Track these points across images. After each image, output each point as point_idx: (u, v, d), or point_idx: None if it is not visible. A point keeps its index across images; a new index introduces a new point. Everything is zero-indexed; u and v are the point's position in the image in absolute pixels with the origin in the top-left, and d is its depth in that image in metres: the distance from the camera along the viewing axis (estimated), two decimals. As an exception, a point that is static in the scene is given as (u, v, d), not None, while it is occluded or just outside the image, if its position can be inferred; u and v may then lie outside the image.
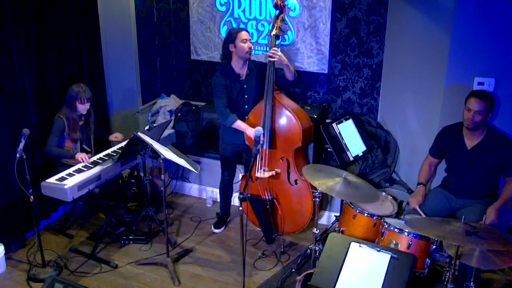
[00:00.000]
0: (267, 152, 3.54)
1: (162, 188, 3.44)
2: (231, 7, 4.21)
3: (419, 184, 3.38)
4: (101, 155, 3.69)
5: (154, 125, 3.74)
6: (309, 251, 3.37)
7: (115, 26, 4.35)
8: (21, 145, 3.02)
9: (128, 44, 4.40)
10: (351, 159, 3.50)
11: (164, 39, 4.64)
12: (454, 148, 3.24)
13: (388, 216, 3.19)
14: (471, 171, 3.18)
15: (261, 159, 3.55)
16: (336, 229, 3.36)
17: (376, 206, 3.34)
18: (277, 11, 3.50)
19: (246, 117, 3.59)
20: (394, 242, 2.93)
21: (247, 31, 3.54)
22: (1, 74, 3.34)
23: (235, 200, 4.17)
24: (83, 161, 3.52)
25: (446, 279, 2.81)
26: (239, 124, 3.49)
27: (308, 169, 3.17)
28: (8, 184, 3.46)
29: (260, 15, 4.13)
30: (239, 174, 4.05)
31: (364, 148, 3.63)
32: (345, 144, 3.49)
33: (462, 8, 3.13)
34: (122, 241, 3.79)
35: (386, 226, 3.00)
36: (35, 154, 3.70)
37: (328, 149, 3.59)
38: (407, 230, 2.91)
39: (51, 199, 3.37)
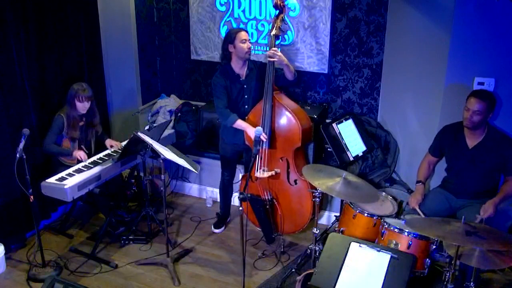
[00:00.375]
0: (266, 152, 3.54)
1: (162, 188, 3.44)
2: (231, 7, 4.21)
3: (418, 182, 3.38)
4: (101, 155, 3.69)
5: (154, 125, 3.74)
6: (309, 251, 3.37)
7: (115, 26, 4.35)
8: (21, 145, 3.03)
9: (128, 44, 4.40)
10: (351, 159, 3.50)
11: (164, 39, 4.64)
12: (454, 148, 3.23)
13: (388, 216, 3.19)
14: (472, 170, 3.18)
15: (261, 159, 3.55)
16: (336, 229, 3.36)
17: (376, 206, 3.34)
18: (277, 11, 3.50)
19: (246, 117, 3.59)
20: (394, 242, 2.93)
21: (246, 31, 3.53)
22: (1, 74, 3.34)
23: (235, 200, 4.17)
24: (81, 159, 3.52)
25: (446, 279, 2.81)
26: (240, 123, 3.49)
27: (308, 169, 3.17)
28: (8, 184, 3.46)
29: (260, 15, 4.13)
30: (239, 174, 4.05)
31: (364, 148, 3.63)
32: (345, 144, 3.49)
33: (462, 8, 3.13)
34: (122, 241, 3.79)
35: (386, 226, 3.00)
36: (35, 154, 3.70)
37: (328, 149, 3.59)
38: (407, 230, 2.91)
39: (51, 199, 3.38)
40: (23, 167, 3.07)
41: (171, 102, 4.50)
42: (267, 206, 3.62)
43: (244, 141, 3.63)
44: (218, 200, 4.19)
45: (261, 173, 3.54)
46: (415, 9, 3.48)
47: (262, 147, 3.50)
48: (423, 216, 3.19)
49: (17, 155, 3.02)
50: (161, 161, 3.30)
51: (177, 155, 3.39)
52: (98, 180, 3.44)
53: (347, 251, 2.72)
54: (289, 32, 4.06)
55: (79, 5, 3.95)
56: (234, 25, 4.23)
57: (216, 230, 4.03)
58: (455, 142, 3.22)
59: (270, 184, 3.63)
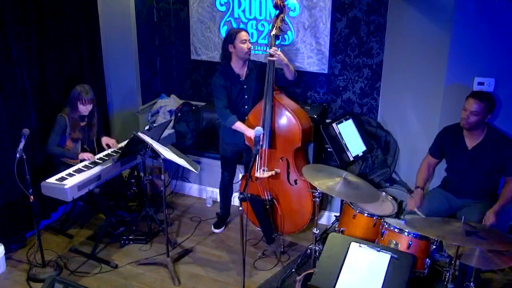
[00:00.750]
0: (266, 152, 3.54)
1: (162, 188, 3.44)
2: (231, 7, 4.21)
3: (417, 187, 3.36)
4: (101, 155, 3.69)
5: (154, 125, 3.74)
6: (309, 251, 3.37)
7: (115, 26, 4.35)
8: (21, 145, 3.03)
9: (128, 44, 4.40)
10: (351, 159, 3.50)
11: (164, 39, 4.64)
12: (454, 148, 3.23)
13: (388, 216, 3.19)
14: (472, 171, 3.18)
15: (261, 159, 3.55)
16: (336, 229, 3.36)
17: (376, 206, 3.33)
18: (277, 11, 3.50)
19: (246, 117, 3.59)
20: (394, 242, 2.93)
21: (246, 31, 3.53)
22: (1, 74, 3.34)
23: (235, 200, 4.17)
24: (88, 160, 3.53)
25: (446, 279, 2.81)
26: (239, 126, 3.49)
27: (308, 169, 3.17)
28: (8, 184, 3.46)
29: (260, 15, 4.13)
30: (239, 174, 4.05)
31: (364, 148, 3.63)
32: (345, 144, 3.49)
33: (462, 8, 3.13)
34: (122, 241, 3.79)
35: (386, 226, 3.00)
36: (35, 154, 3.70)
37: (328, 149, 3.59)
38: (407, 230, 2.91)
39: (51, 199, 3.38)
40: (23, 167, 3.07)
41: (171, 102, 4.50)
42: (267, 206, 3.62)
43: (244, 141, 3.63)
44: (218, 200, 4.19)
45: (261, 173, 3.54)
46: (415, 9, 3.48)
47: (262, 147, 3.50)
48: (422, 216, 3.18)
49: (17, 155, 3.02)
50: (161, 161, 3.30)
51: (177, 155, 3.39)
52: (98, 180, 3.44)
53: (347, 251, 2.72)
54: (289, 32, 4.06)
55: (79, 5, 3.95)
56: (234, 25, 4.23)
57: (216, 230, 4.03)
58: (455, 143, 3.22)
59: (270, 184, 3.63)
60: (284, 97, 3.62)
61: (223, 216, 4.09)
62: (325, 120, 4.04)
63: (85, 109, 3.61)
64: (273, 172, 3.56)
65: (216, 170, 4.09)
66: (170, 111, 4.42)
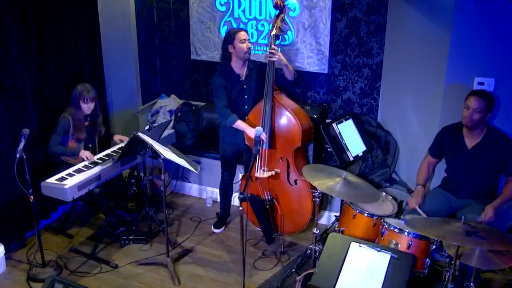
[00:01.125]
0: (266, 152, 3.54)
1: (162, 188, 3.44)
2: (231, 7, 4.21)
3: (418, 185, 3.37)
4: (101, 155, 3.69)
5: (154, 125, 3.74)
6: (309, 251, 3.37)
7: (115, 26, 4.35)
8: (21, 145, 3.03)
9: (128, 44, 4.40)
10: (351, 159, 3.50)
11: (164, 39, 4.64)
12: (454, 148, 3.24)
13: (388, 216, 3.19)
14: (471, 171, 3.18)
15: (261, 159, 3.55)
16: (336, 229, 3.36)
17: (376, 206, 3.34)
18: (277, 11, 3.50)
19: (246, 117, 3.59)
20: (394, 242, 2.93)
21: (246, 31, 3.53)
22: (1, 74, 3.34)
23: (235, 200, 4.17)
24: (87, 160, 3.53)
25: (446, 279, 2.81)
26: (240, 124, 3.49)
27: (308, 169, 3.17)
28: (8, 184, 3.46)
29: (260, 15, 4.13)
30: (239, 174, 4.05)
31: (364, 148, 3.63)
32: (345, 144, 3.49)
33: (462, 8, 3.13)
34: (122, 241, 3.79)
35: (386, 226, 3.00)
36: (36, 154, 3.71)
37: (328, 149, 3.59)
38: (407, 230, 2.91)
39: (51, 199, 3.38)
40: (23, 167, 3.07)
41: (171, 102, 4.50)
42: (267, 206, 3.62)
43: (244, 141, 3.63)
44: (218, 200, 4.19)
45: (261, 173, 3.54)
46: (415, 9, 3.48)
47: (262, 147, 3.50)
48: (424, 216, 3.19)
49: (17, 155, 3.02)
50: (161, 161, 3.30)
51: (177, 155, 3.39)
52: (98, 180, 3.44)
53: (347, 251, 2.72)
54: (289, 32, 4.06)
55: (79, 5, 3.95)
56: (234, 25, 4.23)
57: (216, 230, 4.03)
58: (455, 143, 3.22)
59: (270, 184, 3.63)
60: (284, 97, 3.62)
61: (223, 216, 4.09)
62: (325, 120, 4.04)
63: (87, 107, 3.62)
64: (273, 172, 3.56)
65: (216, 170, 4.09)
66: (170, 111, 4.42)
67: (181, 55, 4.63)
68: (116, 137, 3.93)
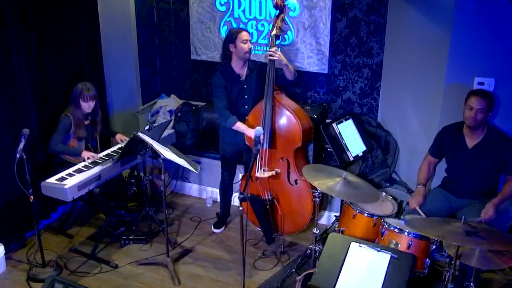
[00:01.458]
0: (267, 152, 3.54)
1: (162, 188, 3.44)
2: (231, 7, 4.21)
3: (419, 185, 3.38)
4: (101, 155, 3.69)
5: (154, 125, 3.74)
6: (309, 251, 3.37)
7: (115, 26, 4.35)
8: (21, 145, 3.03)
9: (128, 44, 4.40)
10: (351, 159, 3.50)
11: (164, 39, 4.64)
12: (454, 148, 3.24)
13: (388, 216, 3.19)
14: (471, 170, 3.18)
15: (261, 159, 3.55)
16: (336, 229, 3.36)
17: (376, 206, 3.34)
18: (277, 11, 3.50)
19: (246, 117, 3.59)
20: (394, 242, 2.93)
21: (247, 31, 3.54)
22: (1, 74, 3.34)
23: (235, 200, 4.17)
24: (92, 158, 3.54)
25: (446, 279, 2.81)
26: (239, 126, 3.49)
27: (308, 169, 3.17)
28: (8, 184, 3.46)
29: (260, 15, 4.13)
30: (239, 174, 4.05)
31: (364, 148, 3.63)
32: (345, 144, 3.49)
33: (462, 8, 3.13)
34: (122, 241, 3.79)
35: (386, 226, 3.00)
36: (36, 154, 3.70)
37: (328, 149, 3.59)
38: (407, 230, 2.91)
39: (51, 199, 3.38)
40: (23, 167, 3.07)
41: (171, 102, 4.50)
42: (267, 206, 3.62)
43: (244, 141, 3.63)
44: (218, 200, 4.19)
45: (261, 173, 3.54)
46: (415, 9, 3.48)
47: (262, 147, 3.50)
48: (424, 216, 3.19)
49: (17, 155, 3.02)
50: (161, 161, 3.30)
51: (177, 155, 3.39)
52: (98, 180, 3.44)
53: (347, 251, 2.72)
54: (289, 32, 4.06)
55: (79, 5, 3.95)
56: (234, 25, 4.23)
57: (216, 230, 4.03)
58: (455, 142, 3.22)
59: (270, 184, 3.63)
60: (284, 97, 3.62)
61: (223, 216, 4.09)
62: (325, 120, 4.04)
63: (87, 106, 3.62)
64: (273, 172, 3.56)
65: (216, 170, 4.09)
66: (170, 111, 4.42)
67: (181, 55, 4.63)
68: (118, 137, 3.94)
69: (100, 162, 3.55)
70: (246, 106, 3.62)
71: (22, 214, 3.65)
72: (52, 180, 3.26)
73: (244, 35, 3.44)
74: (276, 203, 3.63)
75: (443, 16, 3.26)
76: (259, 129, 2.87)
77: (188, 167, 3.29)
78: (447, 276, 2.80)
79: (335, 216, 3.78)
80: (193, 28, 4.44)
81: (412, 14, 3.51)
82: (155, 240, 3.86)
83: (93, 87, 3.64)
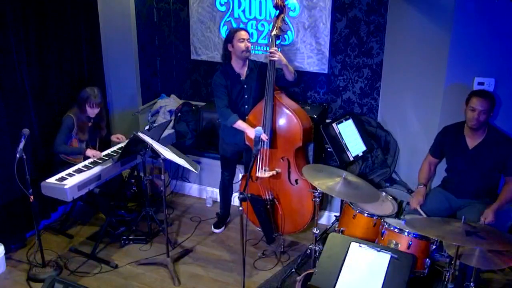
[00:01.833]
0: (267, 152, 3.54)
1: (162, 188, 3.44)
2: (231, 7, 4.21)
3: (419, 185, 3.37)
4: (101, 155, 3.68)
5: (154, 125, 3.74)
6: (309, 251, 3.37)
7: (115, 26, 4.35)
8: (21, 145, 3.03)
9: (128, 44, 4.40)
10: (351, 159, 3.50)
11: (164, 39, 4.64)
12: (455, 148, 3.23)
13: (388, 216, 3.19)
14: (472, 171, 3.18)
15: (262, 159, 3.55)
16: (336, 229, 3.36)
17: (376, 206, 3.34)
18: (277, 11, 3.50)
19: (247, 117, 3.59)
20: (394, 242, 2.93)
21: (246, 30, 3.54)
22: (1, 74, 3.34)
23: (235, 200, 4.17)
24: (95, 157, 3.56)
25: (446, 279, 2.81)
26: (240, 124, 3.49)
27: (308, 169, 3.17)
28: (8, 184, 3.46)
29: (260, 15, 4.13)
30: (239, 174, 4.05)
31: (364, 148, 3.63)
32: (345, 144, 3.49)
33: (462, 8, 3.13)
34: (122, 241, 3.79)
35: (386, 226, 3.00)
36: (35, 154, 3.70)
37: (328, 149, 3.59)
38: (407, 230, 2.91)
39: (51, 199, 3.38)
40: (23, 167, 3.07)
41: (171, 102, 4.50)
42: (268, 206, 3.62)
43: (244, 141, 3.63)
44: (218, 200, 4.19)
45: (262, 173, 3.55)
46: (415, 9, 3.48)
47: (262, 147, 3.50)
48: (424, 216, 3.19)
49: (17, 155, 3.02)
50: (161, 161, 3.30)
51: (177, 155, 3.39)
52: (98, 180, 3.44)
53: (347, 251, 2.72)
54: (289, 32, 4.06)
55: (79, 5, 3.94)
56: (234, 25, 4.23)
57: (216, 230, 4.03)
58: (456, 143, 3.22)
59: (271, 184, 3.63)
60: (284, 97, 3.62)
61: (223, 216, 4.09)
62: (325, 120, 4.04)
63: (92, 112, 3.65)
64: (274, 172, 3.57)
65: (216, 170, 4.09)
66: (170, 111, 4.42)
67: (181, 55, 4.63)
68: (113, 137, 3.94)
69: (100, 162, 3.55)
70: (246, 106, 3.62)
71: (22, 214, 3.65)
72: (52, 180, 3.26)
73: (241, 34, 3.44)
74: (276, 203, 3.63)
75: (443, 16, 3.26)
76: (259, 129, 2.88)
77: (188, 167, 3.29)
78: (447, 276, 2.80)
79: (335, 216, 3.78)
80: (193, 28, 4.44)
81: (412, 14, 3.51)
82: (155, 240, 3.86)
83: (100, 94, 3.66)
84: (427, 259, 2.90)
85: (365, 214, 3.18)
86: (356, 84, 4.04)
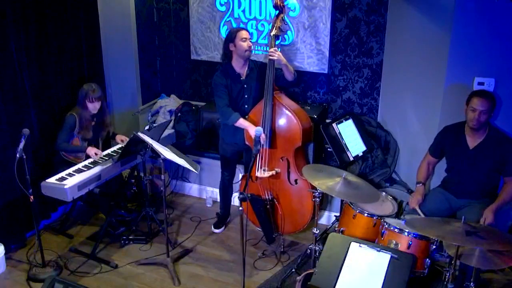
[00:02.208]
0: (267, 152, 3.54)
1: (162, 188, 3.44)
2: (231, 7, 4.21)
3: (418, 183, 3.37)
4: (101, 155, 3.68)
5: (154, 125, 3.74)
6: (309, 251, 3.37)
7: (115, 26, 4.35)
8: (21, 145, 3.03)
9: (128, 44, 4.40)
10: (351, 159, 3.50)
11: (164, 39, 4.64)
12: (455, 148, 3.23)
13: (388, 216, 3.19)
14: (472, 171, 3.18)
15: (261, 158, 3.55)
16: (336, 229, 3.36)
17: (376, 206, 3.33)
18: (277, 11, 3.50)
19: (246, 117, 3.59)
20: (394, 242, 2.93)
21: (247, 30, 3.54)
22: (1, 74, 3.34)
23: (235, 200, 4.17)
24: (95, 157, 3.56)
25: (446, 279, 2.81)
26: (242, 122, 3.49)
27: (308, 169, 3.17)
28: (8, 184, 3.46)
29: (260, 15, 4.13)
30: (239, 174, 4.05)
31: (364, 148, 3.63)
32: (345, 144, 3.49)
33: (462, 8, 3.13)
34: (122, 241, 3.79)
35: (386, 226, 3.00)
36: (36, 154, 3.70)
37: (328, 149, 3.59)
38: (407, 230, 2.91)
39: (51, 199, 3.38)
40: (23, 167, 3.07)
41: (171, 102, 4.50)
42: (268, 206, 3.62)
43: (244, 141, 3.63)
44: (218, 200, 4.19)
45: (261, 173, 3.55)
46: (415, 9, 3.48)
47: (262, 147, 3.50)
48: (423, 216, 3.19)
49: (17, 155, 3.02)
50: (161, 161, 3.30)
51: (177, 155, 3.39)
52: (98, 180, 3.44)
53: (347, 251, 2.72)
54: (289, 32, 4.06)
55: (79, 5, 3.94)
56: (234, 25, 4.23)
57: (216, 230, 4.03)
58: (456, 143, 3.22)
59: (270, 184, 3.63)
60: (284, 97, 3.62)
61: (223, 216, 4.09)
62: (325, 120, 4.04)
63: (93, 107, 3.64)
64: (273, 172, 3.57)
65: (216, 170, 4.09)
66: (170, 111, 4.42)
67: (181, 55, 4.63)
68: (118, 138, 3.94)
69: (100, 162, 3.55)
70: (246, 106, 3.62)
71: (22, 214, 3.65)
72: (52, 180, 3.26)
73: (243, 33, 3.45)
74: (276, 203, 3.63)
75: (443, 16, 3.26)
76: (259, 129, 2.88)
77: (188, 167, 3.29)
78: (447, 276, 2.80)
79: (335, 216, 3.78)
80: (193, 28, 4.44)
81: (412, 14, 3.51)
82: (155, 240, 3.86)
83: (99, 88, 3.66)
84: (427, 259, 2.90)
85: (365, 214, 3.18)
86: (356, 84, 4.04)
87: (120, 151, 3.67)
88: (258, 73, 3.59)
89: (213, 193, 4.45)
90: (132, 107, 4.61)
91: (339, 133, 3.49)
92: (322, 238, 3.63)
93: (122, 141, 3.90)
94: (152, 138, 3.43)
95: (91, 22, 4.12)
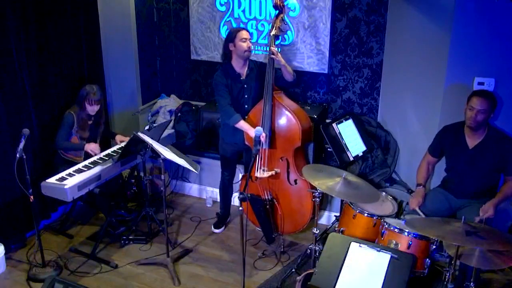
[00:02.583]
0: (266, 152, 3.54)
1: (162, 188, 3.44)
2: (231, 7, 4.21)
3: (418, 185, 3.37)
4: (101, 155, 3.69)
5: (154, 125, 3.74)
6: (309, 251, 3.37)
7: (115, 26, 4.35)
8: (21, 145, 3.03)
9: (128, 44, 4.40)
10: (351, 159, 3.50)
11: (164, 39, 4.64)
12: (455, 148, 3.23)
13: (388, 216, 3.19)
14: (472, 171, 3.18)
15: (261, 159, 3.55)
16: (336, 229, 3.36)
17: (376, 206, 3.33)
18: (277, 11, 3.50)
19: (246, 117, 3.59)
20: (394, 242, 2.93)
21: (247, 30, 3.54)
22: (1, 74, 3.34)
23: (235, 200, 4.17)
24: (93, 153, 3.57)
25: (446, 279, 2.81)
26: (242, 124, 3.49)
27: (308, 169, 3.17)
28: (8, 184, 3.46)
29: (260, 15, 4.13)
30: (239, 174, 4.05)
31: (364, 148, 3.63)
32: (345, 144, 3.49)
33: (462, 8, 3.13)
34: (122, 241, 3.79)
35: (386, 226, 3.00)
36: (36, 154, 3.70)
37: (328, 149, 3.59)
38: (407, 230, 2.91)
39: (51, 199, 3.38)
40: (23, 167, 3.07)
41: (171, 102, 4.50)
42: (267, 206, 3.62)
43: (244, 140, 3.63)
44: (218, 200, 4.19)
45: (261, 173, 3.55)
46: (415, 9, 3.48)
47: (262, 147, 3.50)
48: (423, 216, 3.18)
49: (17, 155, 3.02)
50: (161, 161, 3.30)
51: (177, 155, 3.39)
52: (98, 180, 3.43)
53: (347, 251, 2.72)
54: (289, 32, 4.06)
55: (79, 5, 3.95)
56: (234, 25, 4.23)
57: (216, 230, 4.03)
58: (456, 142, 3.22)
59: (270, 184, 3.63)
60: (284, 97, 3.62)
61: (223, 216, 4.09)
62: (325, 120, 4.04)
63: (91, 109, 3.65)
64: (273, 172, 3.57)
65: (216, 170, 4.09)
66: (170, 111, 4.42)
67: (181, 55, 4.63)
68: (118, 138, 3.94)
69: (100, 162, 3.55)
70: (246, 106, 3.62)
71: (22, 214, 3.65)
72: (52, 180, 3.26)
73: (243, 33, 3.45)
74: (276, 203, 3.63)
75: (443, 16, 3.26)
76: (259, 129, 2.88)
77: (188, 167, 3.29)
78: (447, 276, 2.80)
79: (335, 216, 3.78)
80: (193, 28, 4.44)
81: (412, 14, 3.51)
82: (155, 240, 3.87)
83: (100, 91, 3.66)
84: (427, 259, 2.90)
85: (365, 214, 3.18)
86: (356, 84, 4.04)
87: (120, 151, 3.67)
88: (258, 73, 3.59)
89: (213, 193, 4.45)
90: (132, 107, 4.61)
91: (339, 133, 3.49)
92: (322, 238, 3.63)
93: (121, 141, 3.90)
94: (152, 138, 3.43)
95: (91, 22, 4.12)
